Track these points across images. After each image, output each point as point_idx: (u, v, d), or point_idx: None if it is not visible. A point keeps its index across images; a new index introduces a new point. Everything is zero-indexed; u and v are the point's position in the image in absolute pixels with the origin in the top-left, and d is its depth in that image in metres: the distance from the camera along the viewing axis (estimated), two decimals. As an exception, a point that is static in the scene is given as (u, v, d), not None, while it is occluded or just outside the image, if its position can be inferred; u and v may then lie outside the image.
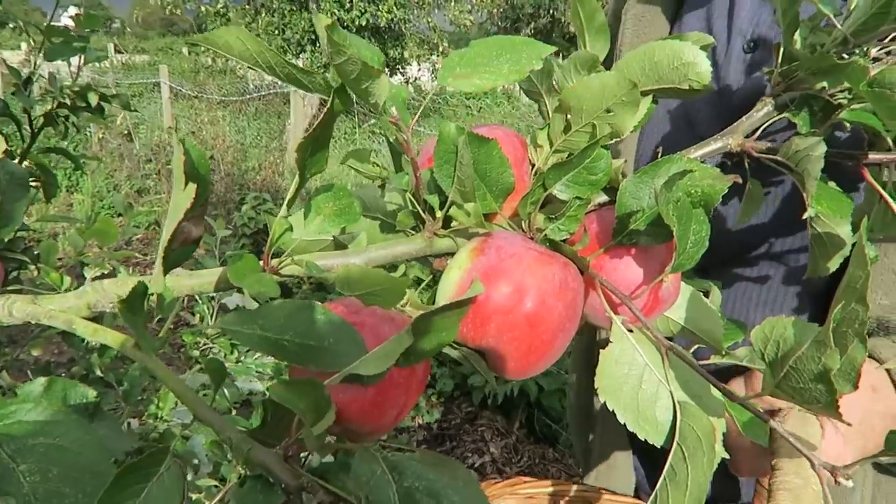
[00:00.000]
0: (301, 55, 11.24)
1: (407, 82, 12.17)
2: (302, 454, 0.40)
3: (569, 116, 0.48)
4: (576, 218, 0.48)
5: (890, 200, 0.51)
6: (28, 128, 0.99)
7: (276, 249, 0.45)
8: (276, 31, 11.27)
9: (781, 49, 0.53)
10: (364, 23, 10.89)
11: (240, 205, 4.61)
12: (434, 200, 0.47)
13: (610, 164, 0.47)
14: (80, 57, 1.00)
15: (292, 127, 7.34)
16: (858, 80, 0.46)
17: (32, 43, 1.00)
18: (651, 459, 0.91)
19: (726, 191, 0.46)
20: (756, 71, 0.73)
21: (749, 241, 0.74)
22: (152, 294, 0.39)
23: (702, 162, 0.50)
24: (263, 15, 11.39)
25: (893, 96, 0.44)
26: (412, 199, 0.48)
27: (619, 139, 0.48)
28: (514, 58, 0.46)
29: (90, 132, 6.60)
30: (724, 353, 0.48)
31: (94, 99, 1.05)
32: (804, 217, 0.51)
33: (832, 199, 0.52)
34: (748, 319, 0.75)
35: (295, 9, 11.15)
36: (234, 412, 2.33)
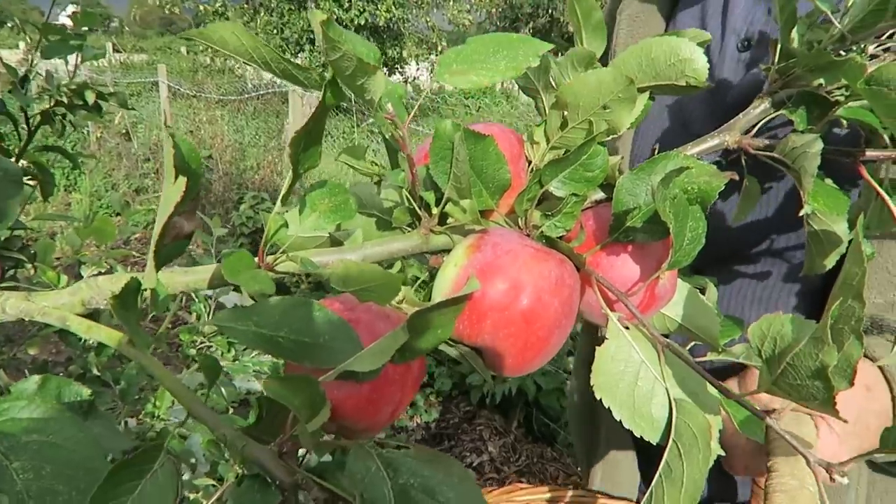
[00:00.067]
0: (300, 54, 11.22)
1: (406, 82, 12.16)
2: (300, 454, 0.40)
3: (565, 113, 0.48)
4: (572, 215, 0.48)
5: (886, 197, 0.51)
6: (25, 126, 0.99)
7: (272, 246, 0.45)
8: (275, 31, 11.24)
9: (778, 46, 0.53)
10: (363, 22, 10.87)
11: (238, 204, 4.61)
12: (430, 197, 0.47)
13: (606, 161, 0.47)
14: (77, 55, 0.99)
15: (291, 126, 7.32)
16: (856, 78, 0.45)
17: (30, 41, 1.00)
18: (647, 457, 0.91)
19: (723, 188, 0.46)
20: (750, 69, 0.73)
21: (746, 239, 0.74)
22: (146, 290, 0.39)
23: (698, 159, 0.50)
24: (262, 14, 11.35)
25: (891, 93, 0.44)
26: (408, 195, 0.48)
27: (615, 136, 0.48)
28: (511, 54, 0.46)
29: (88, 131, 6.59)
30: (720, 350, 0.48)
31: (90, 97, 1.05)
32: (801, 214, 0.51)
33: (829, 197, 0.52)
34: (745, 316, 0.74)
35: (293, 8, 11.12)
36: (231, 411, 2.32)
